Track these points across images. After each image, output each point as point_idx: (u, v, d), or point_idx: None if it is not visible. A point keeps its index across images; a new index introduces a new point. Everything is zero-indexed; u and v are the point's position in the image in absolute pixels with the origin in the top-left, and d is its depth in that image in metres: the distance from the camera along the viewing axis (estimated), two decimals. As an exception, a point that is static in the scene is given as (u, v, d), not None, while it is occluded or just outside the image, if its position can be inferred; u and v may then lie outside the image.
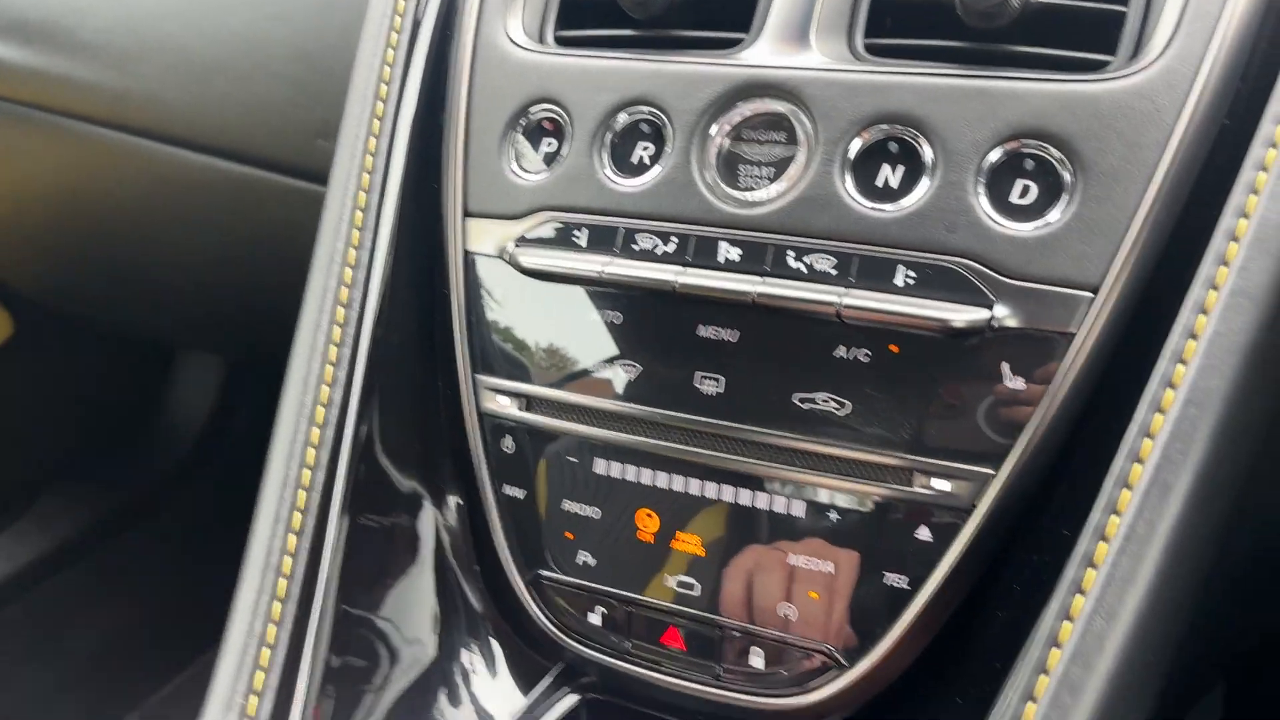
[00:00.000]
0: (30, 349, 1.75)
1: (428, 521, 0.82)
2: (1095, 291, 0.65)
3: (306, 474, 0.75)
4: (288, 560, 0.74)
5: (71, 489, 1.96)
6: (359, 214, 0.81)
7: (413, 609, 0.81)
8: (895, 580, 0.68)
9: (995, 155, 0.68)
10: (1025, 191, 0.67)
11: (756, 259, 0.72)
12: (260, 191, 1.19)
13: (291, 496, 0.75)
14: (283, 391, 0.77)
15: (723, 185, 0.74)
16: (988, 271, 0.67)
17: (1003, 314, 0.66)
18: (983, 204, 0.67)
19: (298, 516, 0.75)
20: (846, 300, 0.68)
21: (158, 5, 1.13)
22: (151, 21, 1.14)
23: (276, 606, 0.71)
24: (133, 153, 1.22)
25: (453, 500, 0.82)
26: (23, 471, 1.89)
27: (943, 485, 0.67)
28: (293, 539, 0.75)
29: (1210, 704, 1.32)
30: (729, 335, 0.72)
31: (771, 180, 0.73)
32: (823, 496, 0.70)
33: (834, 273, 0.70)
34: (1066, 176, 0.66)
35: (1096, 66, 0.69)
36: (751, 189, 0.73)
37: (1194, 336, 0.60)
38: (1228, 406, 0.59)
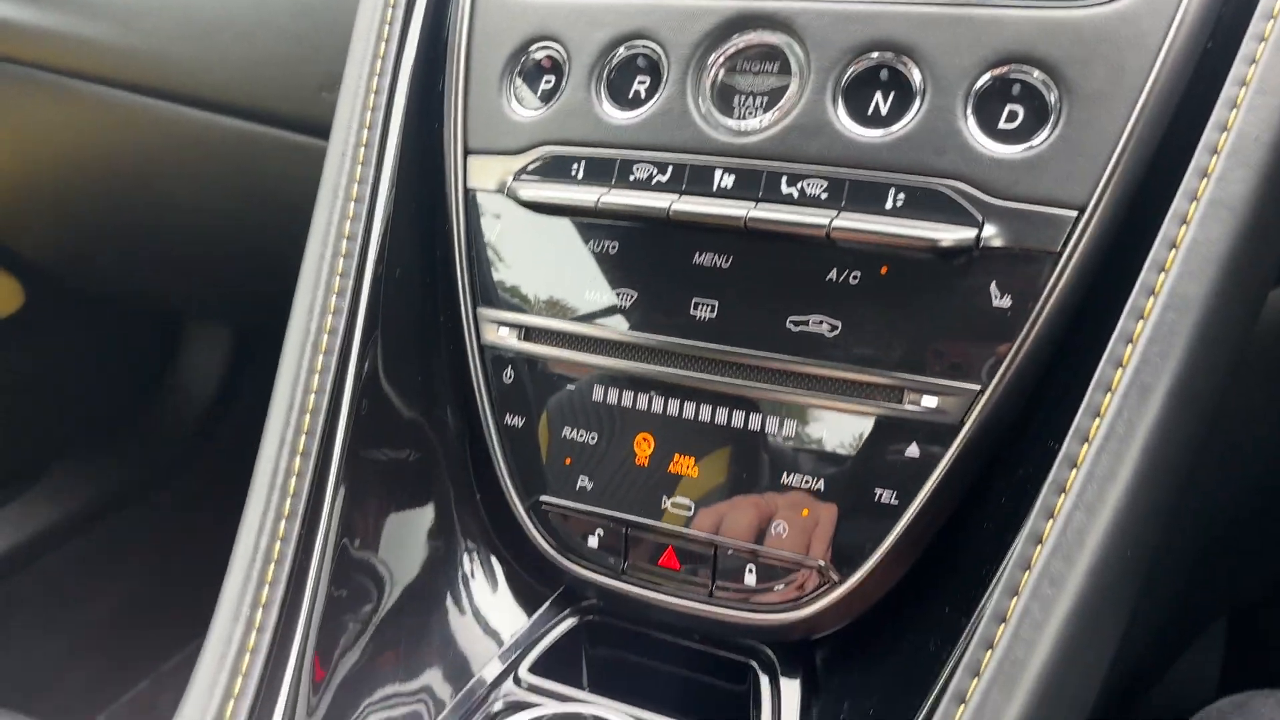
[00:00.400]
0: (41, 319, 1.77)
1: (430, 452, 0.84)
2: (1081, 210, 0.66)
3: (312, 399, 0.76)
4: (293, 480, 0.76)
5: (82, 459, 1.98)
6: (362, 151, 0.83)
7: (415, 538, 0.82)
8: (885, 496, 0.70)
9: (983, 80, 0.69)
10: (1013, 116, 0.69)
11: (750, 185, 0.73)
12: (266, 147, 1.21)
13: (298, 420, 0.76)
14: (289, 322, 0.79)
15: (717, 115, 0.76)
16: (975, 193, 0.68)
17: (990, 233, 0.67)
18: (970, 128, 0.69)
19: (303, 440, 0.77)
20: (837, 222, 0.69)
21: (163, -39, 1.15)
22: (157, -23, 1.16)
23: (282, 526, 0.73)
24: (139, 112, 1.24)
25: (454, 431, 0.84)
26: (33, 442, 1.91)
27: (931, 402, 0.69)
28: (298, 461, 0.76)
29: (1213, 637, 1.34)
30: (723, 261, 0.74)
31: (765, 109, 0.74)
32: (815, 416, 0.72)
33: (825, 197, 0.71)
34: (1052, 100, 0.68)
35: (1083, -2, 0.70)
36: (745, 118, 0.75)
37: (1174, 246, 0.61)
38: (1205, 312, 0.60)
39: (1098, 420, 0.60)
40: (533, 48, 0.82)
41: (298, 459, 0.77)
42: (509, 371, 0.81)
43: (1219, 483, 0.92)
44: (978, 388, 0.68)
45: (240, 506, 0.76)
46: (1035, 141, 0.68)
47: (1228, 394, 0.69)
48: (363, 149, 0.83)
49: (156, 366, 2.07)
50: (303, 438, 0.76)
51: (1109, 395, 0.60)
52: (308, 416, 0.76)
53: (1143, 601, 0.70)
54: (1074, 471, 0.59)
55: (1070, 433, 0.61)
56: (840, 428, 0.71)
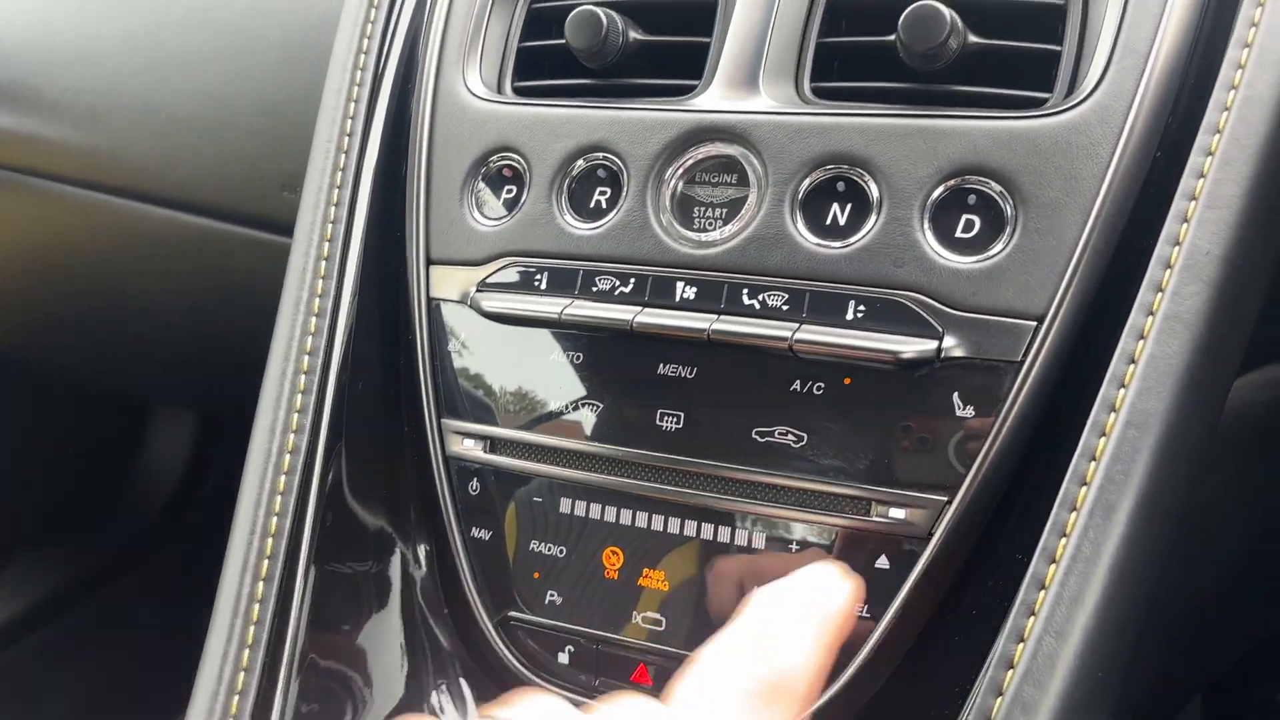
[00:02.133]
0: (1, 407, 1.75)
1: (396, 566, 0.82)
2: (1040, 320, 0.67)
3: (274, 521, 0.75)
4: (256, 607, 0.75)
5: (46, 546, 1.94)
6: (323, 264, 0.82)
7: (382, 653, 0.81)
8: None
9: (939, 191, 0.70)
10: (969, 226, 0.70)
11: (712, 297, 0.73)
12: (229, 244, 1.20)
13: (260, 544, 0.75)
14: (250, 440, 0.78)
15: (678, 226, 0.76)
16: (934, 304, 0.69)
17: (950, 344, 0.68)
18: (928, 239, 0.70)
19: (266, 564, 0.76)
20: (799, 335, 0.70)
21: (124, 64, 1.15)
22: (118, 80, 1.16)
23: (246, 654, 0.72)
24: (102, 210, 1.23)
25: (420, 544, 0.83)
26: (-5, 530, 1.88)
27: (899, 514, 0.69)
28: (261, 586, 0.75)
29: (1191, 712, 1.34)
30: (687, 372, 0.74)
31: (725, 221, 0.75)
32: (784, 529, 0.72)
33: (787, 308, 0.71)
34: (1008, 210, 0.68)
35: (1035, 104, 0.71)
36: (706, 230, 0.75)
37: (1133, 361, 0.62)
38: (1166, 428, 0.60)
39: (1064, 540, 0.60)
40: (494, 158, 0.83)
41: (260, 584, 0.75)
42: (475, 483, 0.80)
43: (1189, 570, 0.93)
44: (945, 498, 0.68)
45: (208, 592, 0.75)
46: (992, 251, 0.68)
47: (1195, 488, 0.70)
48: (323, 262, 0.83)
49: (122, 451, 2.04)
50: (265, 562, 0.74)
51: (1074, 514, 0.60)
52: (270, 540, 0.75)
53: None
54: (1042, 594, 0.59)
55: (1038, 552, 0.61)
56: (809, 539, 0.71)
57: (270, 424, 0.78)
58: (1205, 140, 0.65)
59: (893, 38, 0.73)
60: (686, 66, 0.81)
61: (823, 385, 0.70)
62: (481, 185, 0.83)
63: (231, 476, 0.77)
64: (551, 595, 0.77)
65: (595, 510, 0.76)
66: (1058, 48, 0.72)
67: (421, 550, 0.83)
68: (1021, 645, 0.59)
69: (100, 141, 1.19)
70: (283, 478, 0.77)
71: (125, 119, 1.17)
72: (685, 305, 0.74)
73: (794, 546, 0.71)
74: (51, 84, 1.16)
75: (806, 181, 0.73)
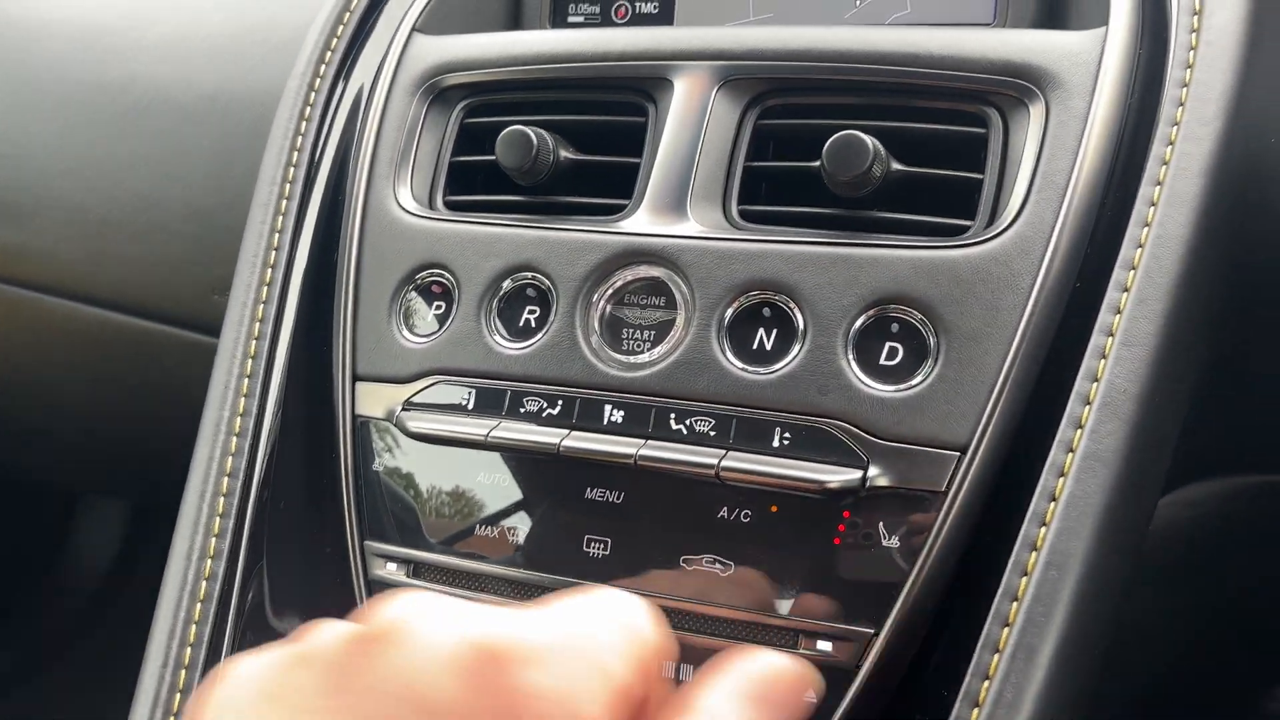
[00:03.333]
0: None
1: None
2: (963, 451, 0.67)
3: (188, 652, 0.73)
4: None
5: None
6: (245, 381, 0.81)
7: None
8: (783, 746, 0.68)
9: (862, 320, 0.70)
10: (893, 354, 0.70)
11: (639, 421, 0.73)
12: (158, 343, 1.19)
13: (172, 677, 0.73)
14: (166, 565, 0.76)
15: (607, 348, 0.76)
16: (859, 432, 0.69)
17: (875, 474, 0.68)
18: (852, 367, 0.70)
19: (183, 675, 0.73)
20: (725, 462, 0.69)
21: (52, 165, 1.14)
22: (46, 180, 1.15)
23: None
24: (27, 305, 1.21)
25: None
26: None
27: (825, 646, 0.68)
28: (178, 699, 0.73)
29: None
30: (614, 497, 0.73)
31: (652, 343, 0.75)
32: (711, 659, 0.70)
33: (713, 434, 0.71)
34: (930, 339, 0.69)
35: (958, 231, 0.72)
36: (634, 352, 0.75)
37: (1053, 499, 0.62)
38: (1087, 567, 0.61)
39: (986, 683, 0.60)
40: (422, 273, 0.82)
41: (177, 696, 0.73)
42: (398, 608, 0.78)
43: (1111, 686, 0.92)
44: (871, 630, 0.67)
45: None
46: (915, 380, 0.69)
47: (1117, 620, 0.70)
48: (246, 380, 0.81)
49: (46, 542, 1.99)
50: (176, 696, 0.72)
51: (996, 656, 0.60)
52: (183, 672, 0.73)
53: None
54: (965, 740, 0.59)
55: (961, 695, 0.60)
56: (736, 672, 0.70)
57: (187, 550, 0.76)
58: (1121, 276, 0.66)
59: (818, 164, 0.74)
60: (617, 186, 0.81)
61: (749, 513, 0.70)
62: (410, 301, 0.82)
63: (163, 564, 0.75)
64: (475, 726, 0.75)
65: (520, 638, 0.75)
66: (979, 176, 0.73)
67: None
68: (945, 793, 0.58)
69: (27, 239, 1.17)
70: (199, 605, 0.74)
71: (53, 218, 1.16)
72: (613, 429, 0.73)
73: (721, 678, 0.70)
74: (-25, 182, 1.14)
75: (732, 307, 0.73)
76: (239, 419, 0.79)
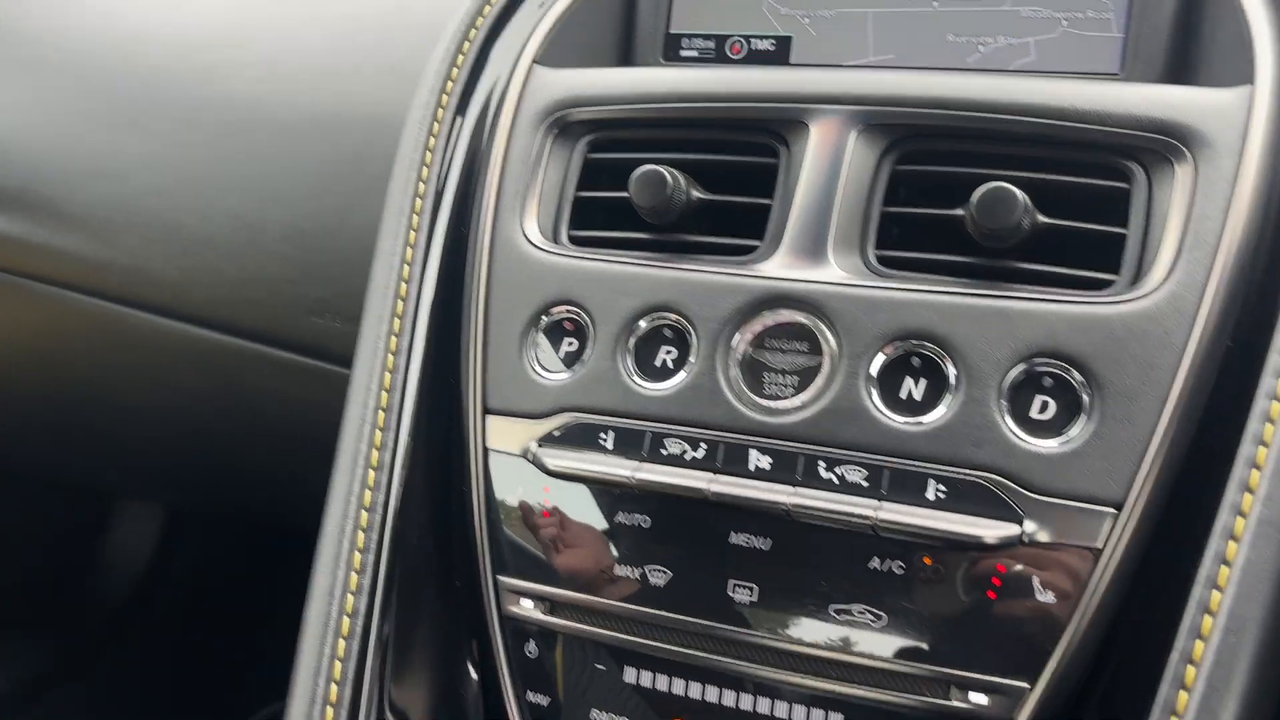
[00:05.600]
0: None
1: (449, 726, 0.80)
2: (1119, 508, 0.67)
3: (334, 689, 0.73)
4: None
5: (5, 640, 1.87)
6: (381, 414, 0.81)
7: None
8: (936, 797, 0.69)
9: (1015, 373, 0.71)
10: (1045, 407, 0.71)
11: (787, 468, 0.73)
12: (244, 361, 1.18)
13: (325, 690, 0.73)
14: (307, 604, 0.76)
15: (748, 392, 0.76)
16: (1015, 487, 0.69)
17: (1032, 529, 0.68)
18: (1007, 421, 0.70)
19: (329, 712, 0.74)
20: (881, 514, 0.70)
21: (148, 182, 1.14)
22: (140, 197, 1.14)
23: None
24: (116, 321, 1.21)
25: (474, 706, 0.81)
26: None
27: (980, 699, 0.68)
28: None
29: None
30: (761, 544, 0.73)
31: (796, 388, 0.75)
32: (860, 710, 0.71)
33: (865, 484, 0.72)
34: (1085, 395, 0.69)
35: (1100, 285, 0.73)
36: (777, 397, 0.75)
37: (1225, 562, 0.63)
38: (1265, 632, 0.61)
39: (1166, 748, 0.60)
40: (554, 309, 0.82)
41: None
42: (532, 646, 0.79)
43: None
44: (1027, 685, 0.68)
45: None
46: (1069, 435, 0.69)
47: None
48: (382, 412, 0.81)
49: (84, 542, 1.98)
50: (329, 709, 0.72)
51: (1174, 718, 0.60)
52: (329, 709, 0.73)
53: None
54: (1147, 807, 0.59)
55: (1138, 758, 0.61)
56: (886, 721, 0.71)
57: (329, 586, 0.76)
58: (1284, 339, 0.67)
59: (961, 212, 0.74)
60: (746, 227, 0.82)
61: (903, 564, 0.70)
62: (541, 337, 0.82)
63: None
64: (614, 766, 0.76)
65: (662, 682, 0.75)
66: (1123, 230, 0.74)
67: (475, 713, 0.81)
68: None
69: (116, 255, 1.17)
70: (342, 642, 0.75)
71: (144, 235, 1.15)
72: (760, 474, 0.74)
73: (870, 727, 0.71)
74: (72, 198, 1.14)
75: (881, 355, 0.73)
76: (376, 452, 0.80)
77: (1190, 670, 0.61)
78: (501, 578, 0.80)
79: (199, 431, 1.38)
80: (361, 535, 0.77)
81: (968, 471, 0.70)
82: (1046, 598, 0.68)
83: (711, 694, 0.74)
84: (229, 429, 1.33)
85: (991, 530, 0.68)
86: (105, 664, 1.96)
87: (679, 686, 0.75)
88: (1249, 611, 0.61)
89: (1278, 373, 0.66)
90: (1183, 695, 0.61)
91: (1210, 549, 0.64)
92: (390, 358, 0.83)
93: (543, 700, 0.78)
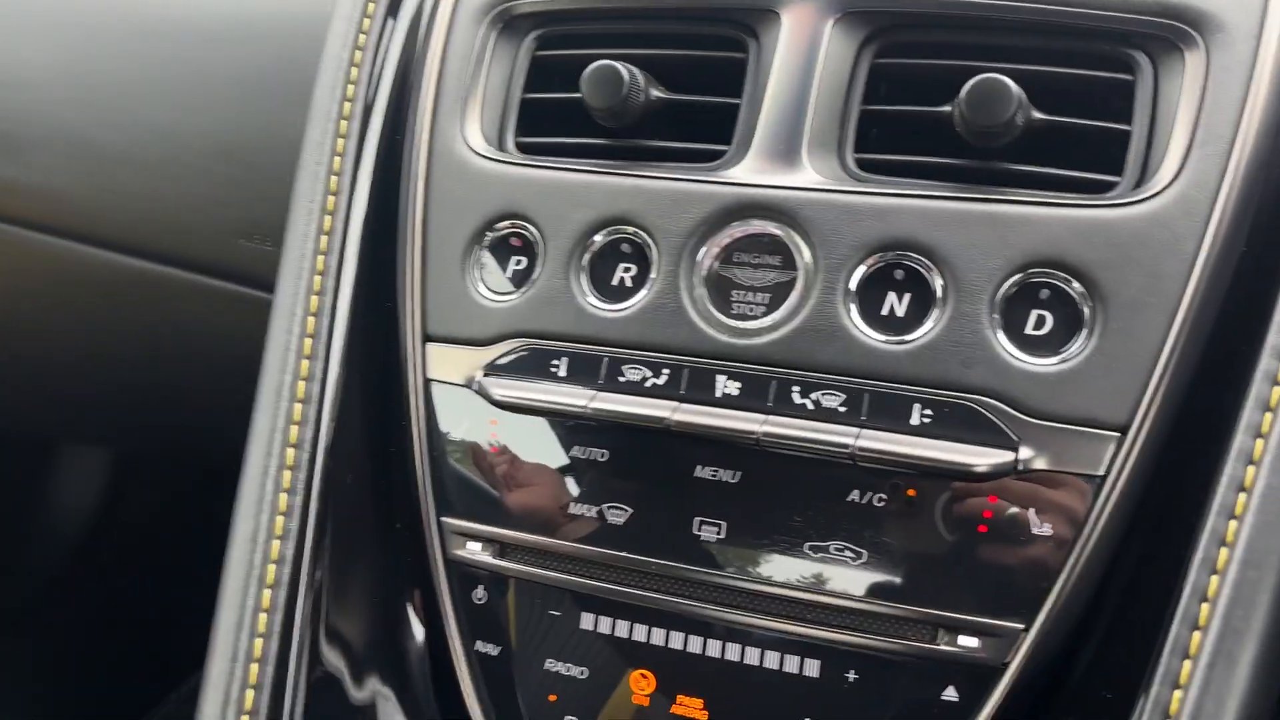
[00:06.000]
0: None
1: (390, 681, 0.74)
2: (1123, 431, 0.61)
3: (259, 644, 0.66)
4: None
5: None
6: (308, 341, 0.73)
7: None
8: (922, 746, 0.63)
9: (1009, 285, 0.64)
10: (1041, 322, 0.64)
11: (758, 394, 0.66)
12: (171, 290, 1.10)
13: (243, 672, 0.66)
14: (229, 549, 0.68)
15: (715, 312, 0.69)
16: (1009, 410, 0.63)
17: (1028, 456, 0.62)
18: (999, 337, 0.64)
19: (255, 669, 0.67)
20: (861, 442, 0.63)
21: (57, 93, 1.03)
22: (49, 109, 1.04)
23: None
24: (21, 245, 1.11)
25: (420, 655, 0.74)
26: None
27: (970, 642, 0.62)
28: (251, 694, 0.66)
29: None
30: (729, 476, 0.67)
31: (767, 306, 0.68)
32: (839, 654, 0.65)
33: (843, 410, 0.65)
34: (1085, 308, 0.63)
35: (1102, 188, 0.66)
36: (746, 316, 0.68)
37: (1244, 489, 0.57)
38: (1290, 565, 0.56)
39: (1178, 692, 0.55)
40: (500, 224, 0.75)
41: (249, 692, 0.66)
42: (481, 591, 0.72)
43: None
44: (1021, 626, 0.62)
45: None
46: (1068, 353, 0.63)
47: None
48: (309, 339, 0.73)
49: (23, 493, 1.90)
50: (254, 666, 0.65)
51: (1188, 663, 0.55)
52: (254, 665, 0.66)
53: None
54: (1162, 755, 0.54)
55: (1149, 704, 0.55)
56: (868, 668, 0.65)
57: (251, 531, 0.68)
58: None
59: (949, 109, 0.67)
60: (713, 130, 0.74)
61: (884, 497, 0.64)
62: (486, 255, 0.75)
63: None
64: (571, 720, 0.70)
65: (623, 628, 0.69)
66: (1127, 127, 0.67)
67: (420, 662, 0.74)
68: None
69: (23, 175, 1.07)
70: (267, 592, 0.67)
71: (53, 151, 1.05)
72: (728, 402, 0.67)
73: (851, 674, 0.65)
74: (-30, 111, 1.04)
75: (861, 268, 0.66)
76: (303, 383, 0.72)
77: (1204, 608, 0.55)
78: (446, 519, 0.73)
79: (125, 368, 1.29)
80: (288, 475, 0.70)
81: (956, 394, 0.63)
82: (1043, 531, 0.62)
83: (677, 640, 0.68)
84: (157, 365, 1.24)
85: (983, 458, 0.62)
86: (52, 616, 1.89)
87: (641, 633, 0.68)
88: (1271, 543, 0.56)
89: (1302, 282, 0.59)
90: (1196, 636, 0.55)
91: (1225, 474, 0.57)
92: (317, 279, 0.75)
93: (492, 650, 0.71)
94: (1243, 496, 0.57)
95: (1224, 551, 0.56)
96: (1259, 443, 0.57)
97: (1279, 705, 0.57)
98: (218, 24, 1.00)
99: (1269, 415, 0.58)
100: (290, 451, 0.71)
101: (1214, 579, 0.56)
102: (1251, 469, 0.57)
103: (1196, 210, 0.63)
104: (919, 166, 0.70)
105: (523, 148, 0.78)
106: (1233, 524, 0.56)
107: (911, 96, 0.71)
